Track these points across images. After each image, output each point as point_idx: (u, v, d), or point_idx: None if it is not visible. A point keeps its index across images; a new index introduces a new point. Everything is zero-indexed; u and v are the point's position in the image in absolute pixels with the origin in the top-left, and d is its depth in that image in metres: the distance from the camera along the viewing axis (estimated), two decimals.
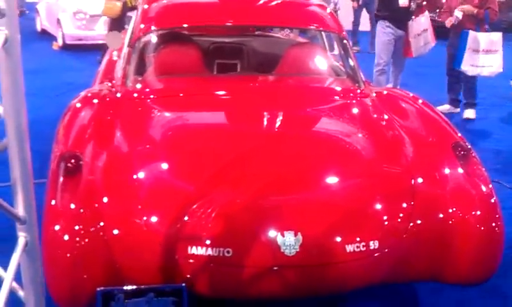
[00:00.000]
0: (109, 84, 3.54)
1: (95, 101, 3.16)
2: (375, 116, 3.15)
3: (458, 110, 6.59)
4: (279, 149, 2.71)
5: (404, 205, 2.48)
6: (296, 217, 2.34)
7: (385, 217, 2.43)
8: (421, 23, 6.28)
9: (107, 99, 3.20)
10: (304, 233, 2.24)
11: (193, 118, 3.18)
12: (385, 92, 3.55)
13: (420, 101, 3.26)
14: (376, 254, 2.32)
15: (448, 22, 6.26)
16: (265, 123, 3.05)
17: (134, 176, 2.49)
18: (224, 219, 2.32)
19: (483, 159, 2.83)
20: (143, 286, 2.10)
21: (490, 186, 2.62)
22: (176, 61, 3.47)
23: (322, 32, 3.98)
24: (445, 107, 6.51)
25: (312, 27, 3.94)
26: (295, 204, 2.42)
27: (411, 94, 3.40)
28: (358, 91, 3.34)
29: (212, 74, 3.67)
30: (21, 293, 1.69)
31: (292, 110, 3.12)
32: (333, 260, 2.28)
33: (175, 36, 3.83)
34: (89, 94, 3.27)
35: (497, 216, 2.51)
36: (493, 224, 2.50)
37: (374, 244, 2.31)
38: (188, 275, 2.24)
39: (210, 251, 2.21)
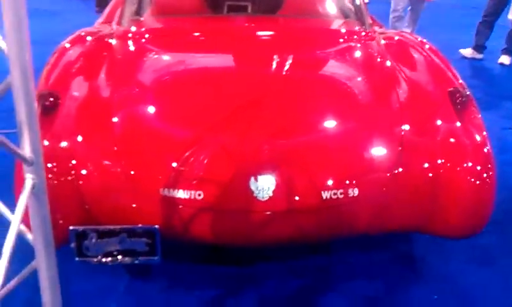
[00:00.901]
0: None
1: (88, 39, 3.10)
2: (374, 59, 3.05)
3: (481, 56, 6.46)
4: (264, 91, 2.64)
5: (390, 153, 2.41)
6: (271, 161, 2.29)
7: (368, 164, 2.38)
8: None
9: (100, 38, 3.11)
10: (279, 178, 2.21)
11: (185, 59, 3.10)
12: (391, 35, 3.42)
13: (427, 46, 3.15)
14: (355, 202, 2.27)
15: None
16: (257, 65, 2.95)
17: (113, 117, 2.45)
18: (197, 161, 2.29)
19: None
20: (115, 227, 2.09)
21: (484, 134, 2.52)
22: (178, 0, 3.40)
23: None
24: (468, 51, 6.39)
25: None
26: (272, 148, 2.35)
27: (419, 39, 3.28)
28: (363, 33, 3.23)
29: (212, 14, 3.55)
30: (29, 236, 1.66)
31: (287, 53, 3.03)
32: (306, 207, 2.23)
33: None
34: (83, 33, 3.20)
35: (489, 166, 2.43)
36: (484, 175, 2.41)
37: (353, 192, 2.26)
38: (160, 217, 2.21)
39: (181, 194, 2.20)
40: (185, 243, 2.42)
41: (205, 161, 2.29)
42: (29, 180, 1.57)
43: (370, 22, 3.46)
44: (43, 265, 1.70)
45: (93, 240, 2.06)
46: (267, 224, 2.22)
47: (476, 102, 2.72)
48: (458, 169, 2.38)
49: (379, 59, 3.03)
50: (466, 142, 2.48)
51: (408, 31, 6.28)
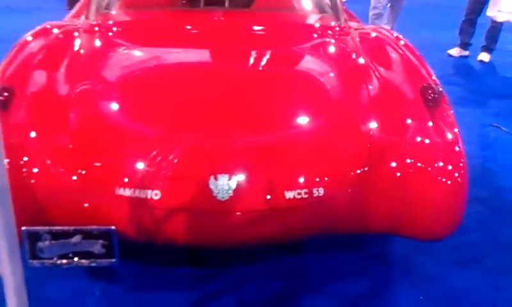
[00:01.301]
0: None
1: (54, 32, 3.00)
2: (346, 55, 2.98)
3: (467, 52, 6.48)
4: (231, 87, 2.56)
5: (357, 152, 2.33)
6: (231, 160, 2.21)
7: (334, 163, 2.30)
8: None
9: (65, 32, 3.01)
10: (240, 178, 2.14)
11: (150, 53, 3.00)
12: (367, 31, 3.33)
13: (402, 42, 3.07)
14: (320, 202, 2.20)
15: None
16: (225, 61, 2.87)
17: (69, 113, 2.35)
18: (155, 159, 2.19)
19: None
20: (70, 228, 1.99)
21: (456, 132, 2.43)
22: None
23: None
24: (455, 51, 6.41)
25: None
26: (234, 146, 2.26)
27: (395, 35, 3.21)
28: (337, 29, 3.15)
29: (186, 8, 3.44)
30: None
31: (257, 48, 2.96)
32: (269, 207, 2.15)
33: None
34: (48, 26, 3.08)
35: (460, 166, 2.34)
36: (455, 175, 2.31)
37: (318, 191, 2.19)
38: (117, 218, 2.12)
39: (138, 193, 2.11)
40: (159, 246, 2.33)
41: (163, 159, 2.19)
42: None
43: (346, 17, 3.38)
44: (8, 271, 1.59)
45: (47, 242, 1.94)
46: (228, 225, 2.15)
47: (453, 98, 2.67)
48: (427, 168, 2.30)
49: (351, 55, 2.96)
50: (437, 141, 2.39)
51: (388, 27, 6.26)
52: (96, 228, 1.98)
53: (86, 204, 2.18)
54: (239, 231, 2.17)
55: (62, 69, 2.64)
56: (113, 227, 1.97)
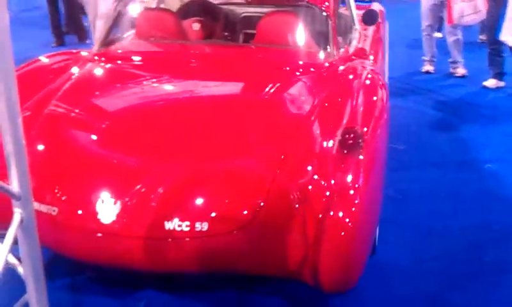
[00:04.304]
0: None
1: (58, 58, 3.42)
2: (290, 98, 2.99)
3: (503, 83, 6.15)
4: (163, 120, 2.74)
5: (253, 194, 2.27)
6: (118, 185, 2.34)
7: (225, 201, 2.29)
8: None
9: (66, 60, 3.38)
10: (124, 203, 2.25)
11: (115, 83, 3.22)
12: (349, 67, 3.27)
13: (368, 81, 3.03)
14: (203, 238, 2.21)
15: None
16: (181, 93, 3.10)
17: None
18: (58, 177, 2.40)
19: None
20: None
21: (364, 180, 2.29)
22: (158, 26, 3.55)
23: None
24: (492, 82, 6.19)
25: None
26: (125, 172, 2.42)
27: (368, 69, 3.21)
28: (312, 68, 3.20)
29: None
30: (20, 269, 1.68)
31: (215, 82, 3.16)
32: (147, 235, 2.22)
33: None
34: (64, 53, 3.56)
35: (356, 216, 2.19)
36: (349, 225, 2.16)
37: (201, 226, 2.20)
38: None
39: (39, 207, 2.24)
40: None
41: (65, 178, 2.39)
42: (17, 214, 1.60)
43: (337, 51, 3.34)
44: (34, 299, 1.71)
45: None
46: (110, 248, 2.26)
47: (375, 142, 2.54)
48: (319, 216, 2.18)
49: (297, 98, 2.95)
50: (334, 189, 2.23)
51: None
52: None
53: None
54: (121, 255, 2.28)
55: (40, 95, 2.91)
56: None
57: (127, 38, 3.66)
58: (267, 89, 3.07)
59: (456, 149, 4.55)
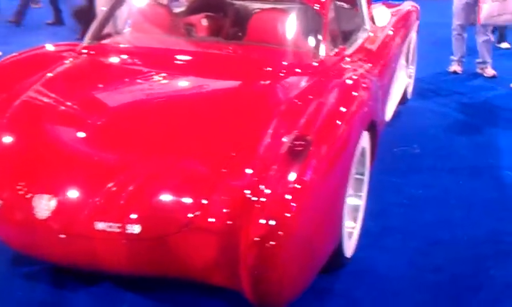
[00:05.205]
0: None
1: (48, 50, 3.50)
2: (261, 100, 2.84)
3: None
4: (120, 116, 2.75)
5: (194, 195, 2.20)
6: (55, 181, 2.33)
7: (165, 203, 2.23)
8: None
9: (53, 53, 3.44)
10: (60, 199, 2.26)
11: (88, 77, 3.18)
12: (342, 67, 3.16)
13: (346, 87, 2.89)
14: (134, 240, 2.17)
15: None
16: (154, 91, 3.04)
17: None
18: (10, 168, 2.45)
19: None
20: None
21: (302, 193, 2.13)
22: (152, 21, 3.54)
23: None
24: None
25: None
26: (68, 167, 2.41)
27: (357, 73, 3.06)
28: (298, 69, 3.04)
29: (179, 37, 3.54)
30: None
31: (195, 83, 3.09)
32: (78, 233, 2.22)
33: None
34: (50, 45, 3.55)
35: (295, 229, 2.09)
36: (283, 237, 2.05)
37: (132, 228, 2.16)
38: None
39: None
40: None
41: (14, 169, 2.44)
42: None
43: (327, 51, 3.15)
44: None
45: None
46: (46, 243, 2.28)
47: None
48: (256, 224, 2.06)
49: (264, 99, 2.82)
50: (275, 198, 2.10)
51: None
52: None
53: None
54: (57, 251, 2.30)
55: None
56: None
57: (122, 32, 3.62)
58: (238, 89, 3.02)
59: (474, 154, 4.36)
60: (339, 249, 2.67)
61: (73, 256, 2.30)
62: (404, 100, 5.13)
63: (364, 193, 3.12)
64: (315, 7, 3.32)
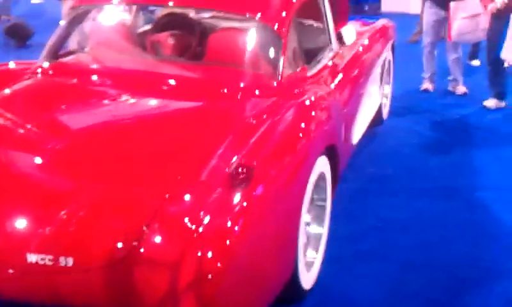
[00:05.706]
0: None
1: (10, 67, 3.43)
2: (216, 121, 2.78)
3: (504, 104, 5.93)
4: (63, 141, 2.62)
5: (129, 228, 2.08)
6: None
7: (102, 234, 2.11)
8: (469, 6, 5.77)
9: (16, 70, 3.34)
10: None
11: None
12: (299, 91, 3.01)
13: (299, 112, 2.78)
14: (67, 273, 2.05)
15: (493, 8, 5.57)
16: (104, 114, 2.94)
17: None
18: None
19: None
20: None
21: (241, 224, 2.05)
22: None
23: None
24: (492, 102, 5.94)
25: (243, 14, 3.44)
26: (6, 193, 2.28)
27: (315, 97, 2.95)
28: (256, 92, 2.96)
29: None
30: None
31: (147, 105, 3.02)
32: (11, 266, 2.10)
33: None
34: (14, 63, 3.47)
35: (233, 262, 2.01)
36: (221, 270, 1.96)
37: (66, 261, 2.04)
38: None
39: None
40: None
41: None
42: None
43: (284, 74, 3.03)
44: None
45: None
46: None
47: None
48: (192, 256, 1.97)
49: (214, 123, 2.74)
50: (212, 229, 2.03)
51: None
52: None
53: None
54: None
55: None
56: None
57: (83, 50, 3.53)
58: (194, 111, 2.94)
59: (448, 175, 4.31)
60: (295, 280, 2.54)
61: (6, 288, 2.13)
62: (379, 121, 5.06)
63: (326, 221, 2.99)
64: (274, 27, 3.18)
